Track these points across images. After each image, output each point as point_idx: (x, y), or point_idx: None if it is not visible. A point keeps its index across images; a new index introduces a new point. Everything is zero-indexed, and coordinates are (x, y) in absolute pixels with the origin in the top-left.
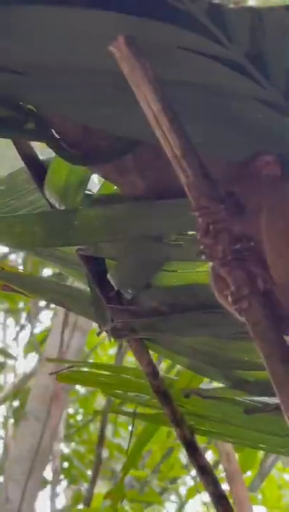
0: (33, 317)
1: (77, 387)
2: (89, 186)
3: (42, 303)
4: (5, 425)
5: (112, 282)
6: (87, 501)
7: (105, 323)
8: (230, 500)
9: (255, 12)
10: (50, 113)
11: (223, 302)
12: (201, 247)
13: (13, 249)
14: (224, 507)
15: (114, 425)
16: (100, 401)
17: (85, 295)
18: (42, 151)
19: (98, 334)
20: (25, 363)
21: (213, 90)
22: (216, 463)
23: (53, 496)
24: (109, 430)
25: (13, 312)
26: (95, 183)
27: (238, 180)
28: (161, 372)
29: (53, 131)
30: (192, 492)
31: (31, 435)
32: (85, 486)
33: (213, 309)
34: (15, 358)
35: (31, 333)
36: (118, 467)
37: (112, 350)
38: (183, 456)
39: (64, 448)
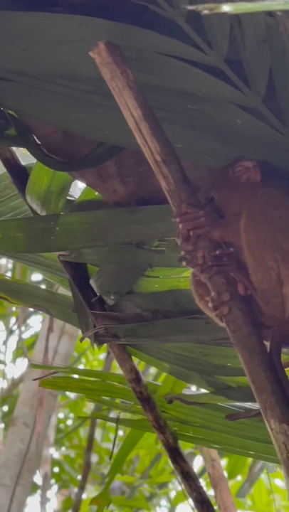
0: (21, 322)
1: (67, 391)
2: (70, 192)
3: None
4: None
5: (95, 288)
6: (76, 507)
7: (88, 329)
8: (216, 507)
9: (235, 18)
10: (31, 119)
11: (203, 308)
12: (182, 253)
13: None
14: None
15: (103, 430)
16: (90, 406)
17: (68, 301)
18: (23, 156)
19: (81, 340)
20: (15, 368)
21: (193, 96)
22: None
23: (44, 500)
24: (99, 434)
25: (2, 317)
26: (79, 188)
27: (218, 186)
28: (146, 378)
29: (34, 136)
30: (180, 497)
31: (20, 440)
32: (75, 491)
33: (195, 315)
34: (4, 363)
35: (20, 337)
36: (108, 472)
37: (103, 355)
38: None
39: (54, 453)
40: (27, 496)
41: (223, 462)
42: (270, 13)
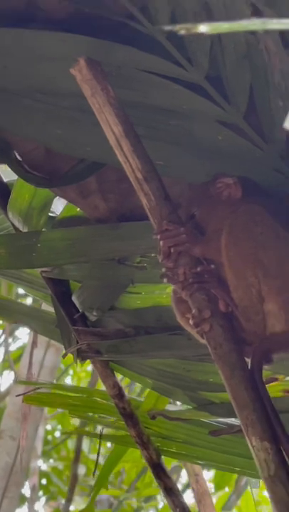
0: (8, 334)
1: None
2: (52, 208)
3: None
4: None
5: (77, 304)
6: None
7: (71, 345)
8: None
9: (215, 36)
10: (12, 135)
11: (184, 325)
12: (163, 270)
13: None
14: None
15: (91, 441)
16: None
17: (51, 317)
18: (5, 172)
19: (64, 356)
20: (1, 381)
21: (174, 112)
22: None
23: None
24: (88, 446)
25: None
26: (61, 204)
27: (198, 203)
28: (132, 394)
29: (15, 153)
30: (168, 509)
31: (6, 454)
32: (64, 503)
33: (177, 331)
34: None
35: (6, 350)
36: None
37: (90, 366)
38: None
39: (42, 464)
40: (15, 508)
41: (210, 474)
42: (251, 31)
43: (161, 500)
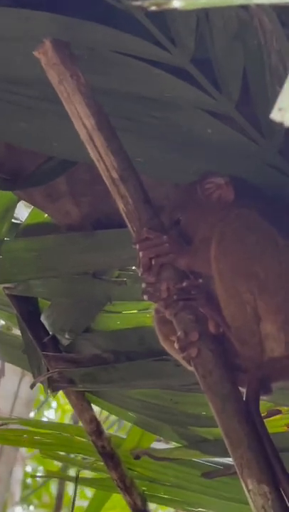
0: None
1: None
2: (16, 214)
3: None
4: None
5: (47, 325)
6: None
7: (40, 373)
8: None
9: (201, 11)
10: None
11: (169, 349)
12: (143, 285)
13: None
14: None
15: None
16: None
17: (17, 340)
18: None
19: (32, 386)
20: None
21: (155, 101)
22: None
23: None
24: (73, 489)
25: None
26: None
27: (184, 207)
28: (111, 429)
29: None
30: None
31: None
32: None
33: (163, 356)
34: None
35: None
36: None
37: None
38: None
39: None
40: None
41: None
42: (243, 6)
43: None
